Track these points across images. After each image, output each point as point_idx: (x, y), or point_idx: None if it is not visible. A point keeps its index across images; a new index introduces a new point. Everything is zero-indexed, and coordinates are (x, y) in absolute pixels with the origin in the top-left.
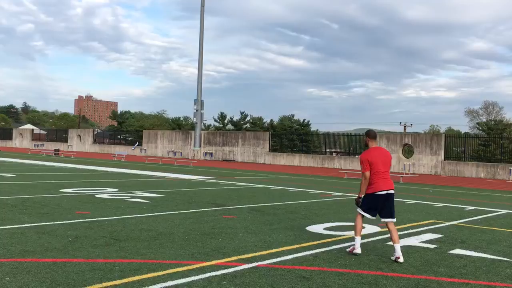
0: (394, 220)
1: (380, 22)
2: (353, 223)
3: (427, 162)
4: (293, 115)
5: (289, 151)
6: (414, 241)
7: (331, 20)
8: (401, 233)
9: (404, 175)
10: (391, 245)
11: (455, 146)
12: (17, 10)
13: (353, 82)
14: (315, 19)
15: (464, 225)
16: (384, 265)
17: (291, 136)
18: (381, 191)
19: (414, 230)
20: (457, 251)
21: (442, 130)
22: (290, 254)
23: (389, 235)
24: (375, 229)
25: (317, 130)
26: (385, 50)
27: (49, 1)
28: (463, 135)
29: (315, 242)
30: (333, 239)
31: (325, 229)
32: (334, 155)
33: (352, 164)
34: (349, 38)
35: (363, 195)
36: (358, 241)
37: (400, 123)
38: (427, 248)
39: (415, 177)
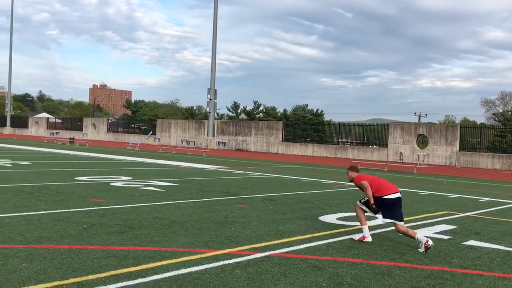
0: (401, 223)
1: (394, 11)
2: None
3: (442, 153)
4: (306, 105)
5: (302, 141)
6: (428, 232)
7: (345, 9)
8: (415, 224)
9: (418, 166)
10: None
11: (471, 137)
12: None
13: (367, 71)
14: (329, 8)
15: (479, 216)
16: (397, 255)
17: (304, 126)
18: (387, 194)
19: (428, 221)
20: (471, 242)
21: (458, 120)
22: (303, 244)
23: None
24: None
25: (331, 120)
26: (399, 40)
27: None
28: (478, 125)
29: (327, 232)
30: (346, 229)
31: (338, 219)
32: (348, 145)
33: (366, 155)
34: (363, 27)
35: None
36: (366, 229)
37: (415, 113)
38: (441, 239)
39: (430, 167)
